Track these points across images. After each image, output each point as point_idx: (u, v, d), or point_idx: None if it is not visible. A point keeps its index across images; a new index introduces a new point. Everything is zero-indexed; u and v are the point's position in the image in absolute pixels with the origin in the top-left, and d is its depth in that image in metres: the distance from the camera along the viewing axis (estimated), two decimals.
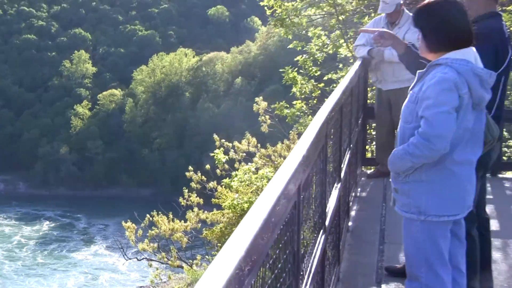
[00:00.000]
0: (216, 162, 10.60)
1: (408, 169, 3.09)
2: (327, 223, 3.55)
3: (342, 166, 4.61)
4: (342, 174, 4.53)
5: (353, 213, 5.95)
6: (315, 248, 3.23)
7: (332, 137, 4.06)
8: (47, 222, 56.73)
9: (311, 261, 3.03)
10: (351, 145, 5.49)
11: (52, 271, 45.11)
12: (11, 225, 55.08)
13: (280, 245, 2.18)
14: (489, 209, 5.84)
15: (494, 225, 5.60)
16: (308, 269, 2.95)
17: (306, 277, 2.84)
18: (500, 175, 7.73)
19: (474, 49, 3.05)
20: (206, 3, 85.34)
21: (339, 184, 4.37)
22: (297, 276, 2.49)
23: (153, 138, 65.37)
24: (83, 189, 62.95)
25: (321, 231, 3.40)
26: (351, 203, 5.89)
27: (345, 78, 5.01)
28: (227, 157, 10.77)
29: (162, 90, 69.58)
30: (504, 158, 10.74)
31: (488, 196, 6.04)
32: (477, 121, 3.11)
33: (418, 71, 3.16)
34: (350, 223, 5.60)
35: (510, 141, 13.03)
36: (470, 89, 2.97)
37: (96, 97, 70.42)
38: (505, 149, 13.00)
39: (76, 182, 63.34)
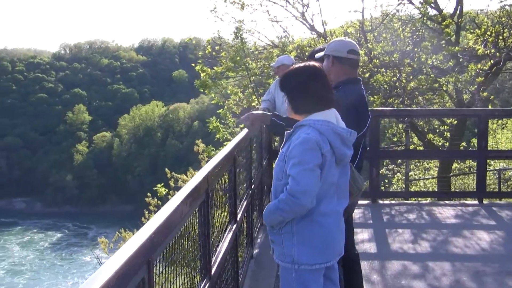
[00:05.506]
0: (159, 194, 10.64)
1: (280, 223, 2.86)
2: (213, 270, 3.18)
3: (238, 211, 4.27)
4: (238, 217, 4.24)
5: (259, 240, 5.77)
6: None
7: (225, 185, 3.85)
8: (59, 231, 63.17)
9: None
10: (253, 186, 5.24)
11: (63, 267, 51.32)
12: (34, 234, 62.06)
13: None
14: (368, 232, 6.28)
15: (372, 247, 5.82)
16: None
17: None
18: (380, 201, 7.94)
19: (335, 110, 2.89)
20: (170, 67, 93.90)
21: (235, 225, 4.06)
22: None
23: (134, 167, 71.51)
24: (83, 206, 69.07)
25: (205, 279, 3.04)
26: (255, 233, 5.67)
27: (240, 134, 4.82)
28: (167, 190, 10.62)
29: (140, 132, 76.71)
30: (382, 188, 11.05)
31: (368, 221, 6.85)
32: (341, 176, 2.93)
33: (286, 132, 2.97)
34: (255, 251, 5.41)
35: (388, 174, 13.77)
36: (332, 147, 2.80)
37: (91, 138, 77.74)
38: (389, 174, 14.17)
39: (78, 201, 69.87)
